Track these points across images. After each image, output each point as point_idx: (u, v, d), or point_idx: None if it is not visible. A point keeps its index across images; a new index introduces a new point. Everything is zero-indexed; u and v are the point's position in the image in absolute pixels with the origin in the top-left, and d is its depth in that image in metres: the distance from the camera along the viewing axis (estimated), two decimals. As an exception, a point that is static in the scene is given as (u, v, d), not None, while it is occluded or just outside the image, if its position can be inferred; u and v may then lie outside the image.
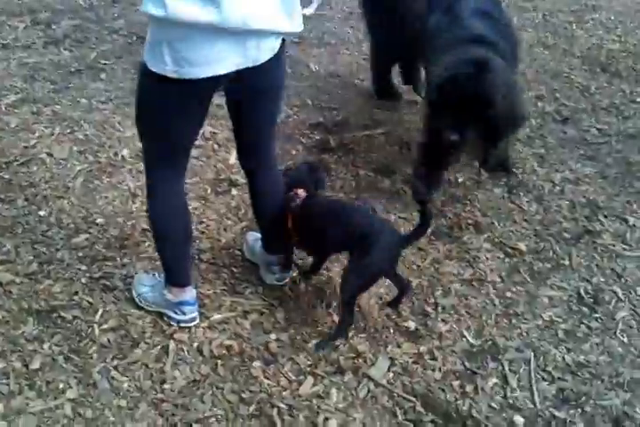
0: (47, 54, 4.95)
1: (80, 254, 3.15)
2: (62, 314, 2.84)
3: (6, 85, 4.50)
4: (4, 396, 2.50)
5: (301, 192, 2.86)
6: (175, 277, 2.76)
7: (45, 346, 2.70)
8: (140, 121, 2.50)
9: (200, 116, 2.47)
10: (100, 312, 2.86)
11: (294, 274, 3.09)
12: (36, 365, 2.62)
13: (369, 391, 2.61)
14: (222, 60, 2.22)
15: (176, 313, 2.79)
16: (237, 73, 2.29)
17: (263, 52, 2.32)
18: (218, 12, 2.08)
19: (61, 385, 2.55)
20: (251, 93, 2.48)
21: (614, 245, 3.42)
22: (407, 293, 2.92)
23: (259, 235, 3.09)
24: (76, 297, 2.93)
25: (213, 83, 2.28)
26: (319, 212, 2.85)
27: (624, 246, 3.42)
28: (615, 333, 2.94)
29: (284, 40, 2.41)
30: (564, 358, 2.81)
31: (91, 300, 2.92)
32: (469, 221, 3.51)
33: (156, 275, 2.88)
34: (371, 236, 2.66)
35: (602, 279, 3.22)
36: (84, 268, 3.08)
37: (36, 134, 4.02)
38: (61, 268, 3.07)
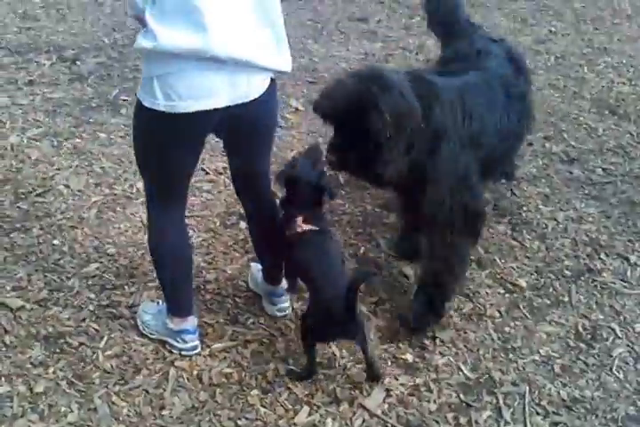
0: (70, 90, 5.13)
1: (90, 283, 3.25)
2: (69, 340, 2.93)
3: (29, 119, 4.68)
4: (7, 418, 2.58)
5: (301, 223, 2.78)
6: (176, 306, 2.85)
7: (50, 371, 2.79)
8: (137, 155, 2.60)
9: (195, 150, 2.55)
10: (105, 339, 2.95)
11: (295, 305, 3.16)
12: (39, 389, 2.70)
13: (364, 421, 2.66)
14: (213, 95, 2.31)
15: (177, 341, 2.86)
16: (229, 109, 2.37)
17: (253, 88, 2.41)
18: (204, 39, 2.18)
19: (63, 409, 2.63)
20: (241, 130, 2.54)
21: (614, 283, 3.46)
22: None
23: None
24: (83, 324, 3.02)
25: (205, 118, 2.36)
26: (308, 254, 2.78)
27: (624, 284, 3.46)
28: (611, 369, 2.96)
29: (273, 79, 2.51)
30: (559, 393, 2.84)
31: (97, 327, 3.01)
32: (472, 257, 3.55)
33: (160, 303, 2.97)
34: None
35: (600, 316, 3.25)
36: (92, 296, 3.18)
37: (55, 167, 4.17)
38: (71, 295, 3.17)
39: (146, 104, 2.33)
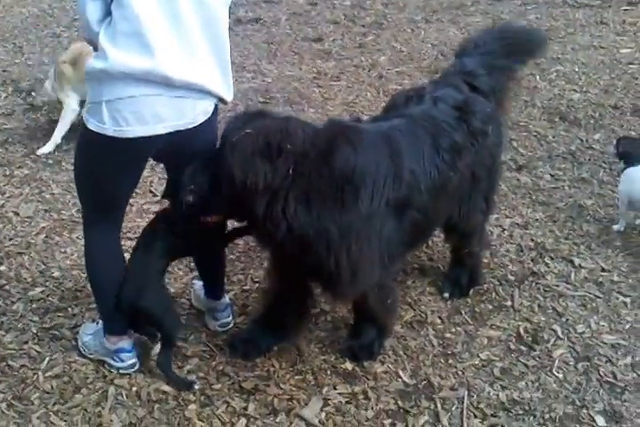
0: (25, 120, 5.21)
1: (34, 306, 3.28)
2: (10, 363, 2.95)
3: (-17, 150, 4.72)
4: (-56, 442, 2.59)
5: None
6: (112, 325, 2.87)
7: (-10, 394, 2.80)
8: (78, 177, 2.66)
9: (138, 173, 2.62)
10: (46, 360, 2.97)
11: (237, 320, 3.19)
12: (-22, 412, 2.71)
13: (300, 431, 2.68)
14: (160, 121, 2.38)
15: (115, 360, 2.88)
16: (174, 134, 2.43)
17: (198, 114, 2.48)
18: (151, 60, 2.25)
19: (1, 431, 2.64)
20: (183, 154, 2.56)
21: (558, 286, 3.49)
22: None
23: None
24: (25, 346, 3.04)
25: (150, 142, 2.42)
26: None
27: (567, 286, 3.49)
28: (551, 370, 2.98)
29: (216, 106, 2.57)
30: (498, 396, 2.85)
31: (39, 349, 3.03)
32: (415, 266, 3.60)
33: (99, 323, 2.98)
34: None
35: (542, 319, 3.28)
36: (36, 318, 3.20)
37: (6, 195, 4.21)
38: (15, 319, 3.19)
39: (91, 128, 2.38)
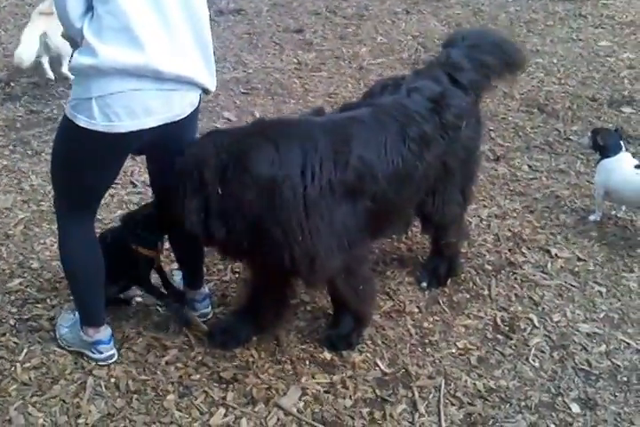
0: (3, 110, 5.15)
1: (12, 298, 3.27)
2: (-13, 355, 2.94)
3: (-39, 140, 4.69)
4: None
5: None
6: (89, 317, 2.87)
7: (-34, 386, 2.79)
8: (56, 168, 2.64)
9: (120, 165, 2.63)
10: (24, 352, 2.96)
11: (216, 311, 3.20)
12: (-46, 405, 2.71)
13: (278, 420, 2.69)
14: (150, 114, 2.38)
15: (93, 352, 2.89)
16: (161, 127, 2.44)
17: (185, 106, 2.50)
18: (143, 55, 2.25)
19: (-22, 422, 2.64)
20: (167, 146, 2.58)
21: (534, 275, 3.53)
22: None
23: (182, 273, 3.21)
24: (3, 338, 3.04)
25: (138, 136, 2.42)
26: None
27: (544, 276, 3.53)
28: (527, 358, 3.02)
29: (200, 97, 2.59)
30: (474, 384, 2.89)
31: (17, 340, 3.03)
32: (394, 256, 3.62)
33: (76, 314, 2.98)
34: None
35: (519, 308, 3.31)
36: (14, 310, 3.19)
37: (-16, 187, 4.18)
38: (-12, 310, 3.18)
39: (81, 124, 2.36)
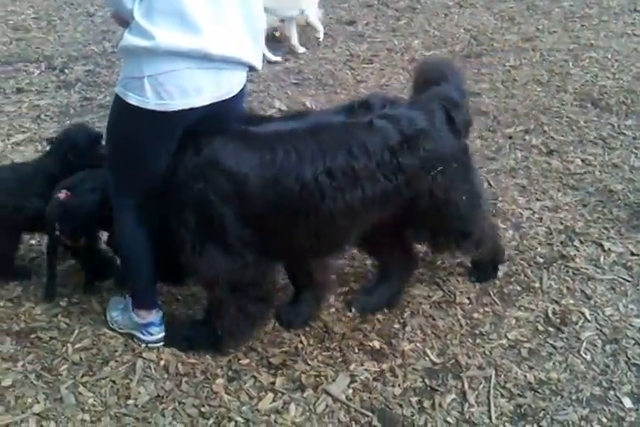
0: (57, 97, 5.24)
1: (64, 280, 3.29)
2: (40, 335, 2.98)
3: (15, 126, 4.79)
4: (-26, 410, 2.63)
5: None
6: (141, 299, 2.89)
7: (19, 364, 2.83)
8: (114, 152, 2.65)
9: (172, 146, 2.60)
10: (75, 333, 3.00)
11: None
12: (7, 382, 2.75)
13: (327, 406, 2.68)
14: (200, 93, 2.38)
15: (144, 334, 2.91)
16: (210, 106, 2.44)
17: (234, 85, 2.50)
18: (200, 39, 2.26)
19: (29, 400, 2.67)
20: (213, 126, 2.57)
21: (587, 269, 3.46)
22: None
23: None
24: (54, 319, 3.07)
25: (190, 115, 2.42)
26: None
27: (597, 270, 3.46)
28: (579, 351, 2.96)
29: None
30: (525, 376, 2.84)
31: (68, 322, 3.06)
32: (444, 247, 3.58)
33: (127, 297, 3.00)
34: None
35: (571, 301, 3.25)
36: (65, 292, 3.22)
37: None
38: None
39: (133, 102, 2.37)
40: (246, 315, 2.82)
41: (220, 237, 2.57)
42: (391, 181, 2.61)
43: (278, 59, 5.97)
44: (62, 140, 3.24)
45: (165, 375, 2.79)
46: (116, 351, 2.90)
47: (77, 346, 2.92)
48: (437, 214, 2.85)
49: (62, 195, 2.93)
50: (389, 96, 3.05)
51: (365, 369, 2.84)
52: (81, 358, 2.87)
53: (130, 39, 2.29)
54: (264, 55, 5.57)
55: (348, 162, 2.52)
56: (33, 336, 2.97)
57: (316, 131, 2.57)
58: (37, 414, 2.61)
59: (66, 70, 5.66)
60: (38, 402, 2.66)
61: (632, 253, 3.58)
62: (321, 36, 6.36)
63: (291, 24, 6.10)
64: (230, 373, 2.81)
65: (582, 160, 4.48)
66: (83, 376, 2.78)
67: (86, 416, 2.61)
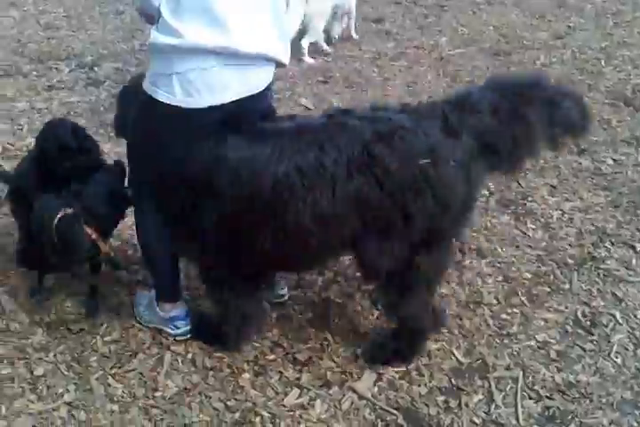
0: (87, 94, 5.27)
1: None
2: (70, 327, 3.01)
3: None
4: (7, 398, 2.66)
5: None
6: (165, 293, 2.91)
7: (50, 355, 2.86)
8: (136, 149, 2.65)
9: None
10: (104, 325, 3.02)
11: (294, 293, 3.20)
12: (39, 371, 2.78)
13: (352, 404, 2.68)
14: (226, 89, 2.38)
15: (171, 328, 2.93)
16: (236, 102, 2.43)
17: (261, 80, 2.49)
18: (227, 37, 2.26)
19: (60, 390, 2.71)
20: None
21: (618, 271, 3.42)
22: None
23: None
24: (84, 312, 3.09)
25: (218, 111, 2.41)
26: None
27: (628, 272, 3.42)
28: (609, 354, 2.93)
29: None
30: (553, 378, 2.82)
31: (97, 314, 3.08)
32: (472, 247, 3.56)
33: (151, 291, 3.01)
34: None
35: (602, 303, 3.22)
36: (94, 286, 3.24)
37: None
38: (74, 286, 3.24)
39: (161, 99, 2.37)
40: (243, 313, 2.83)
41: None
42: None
43: (312, 61, 5.95)
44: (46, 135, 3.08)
45: (192, 369, 2.81)
46: (144, 344, 2.93)
47: (106, 339, 2.95)
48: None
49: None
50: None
51: (391, 368, 2.83)
52: (110, 351, 2.89)
53: (158, 37, 2.30)
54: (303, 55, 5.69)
55: (316, 159, 2.31)
56: (63, 328, 3.00)
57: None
58: (68, 404, 2.65)
59: (95, 68, 5.69)
60: (69, 392, 2.70)
61: (664, 256, 3.54)
62: (354, 34, 6.39)
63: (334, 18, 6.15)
64: (257, 368, 2.82)
65: (614, 160, 4.43)
66: (112, 368, 2.81)
67: (115, 407, 2.64)
